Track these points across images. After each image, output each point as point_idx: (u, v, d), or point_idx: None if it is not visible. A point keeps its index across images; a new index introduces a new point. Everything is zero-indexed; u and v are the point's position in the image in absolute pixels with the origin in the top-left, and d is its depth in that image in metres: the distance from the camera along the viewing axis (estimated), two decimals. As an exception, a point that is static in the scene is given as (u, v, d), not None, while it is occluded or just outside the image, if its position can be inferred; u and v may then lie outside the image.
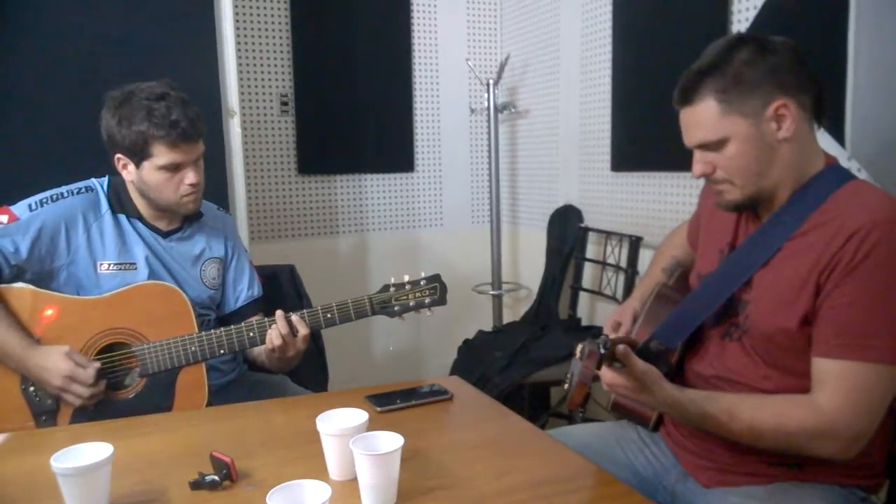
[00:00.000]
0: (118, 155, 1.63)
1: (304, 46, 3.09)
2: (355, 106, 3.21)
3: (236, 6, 2.87)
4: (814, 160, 1.21)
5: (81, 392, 1.50)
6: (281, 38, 3.07)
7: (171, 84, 1.64)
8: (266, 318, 1.62)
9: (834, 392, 1.09)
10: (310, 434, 1.16)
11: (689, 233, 1.53)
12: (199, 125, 1.63)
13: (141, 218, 1.70)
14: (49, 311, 1.56)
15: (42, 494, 1.09)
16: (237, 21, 2.89)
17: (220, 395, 1.71)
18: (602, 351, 1.07)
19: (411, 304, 1.64)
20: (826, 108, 1.21)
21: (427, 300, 1.65)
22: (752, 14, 2.06)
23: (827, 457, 1.13)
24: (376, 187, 3.34)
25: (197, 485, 1.10)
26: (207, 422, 1.45)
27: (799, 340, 1.14)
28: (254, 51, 3.03)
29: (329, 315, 1.62)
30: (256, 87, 3.05)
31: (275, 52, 3.06)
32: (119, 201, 1.69)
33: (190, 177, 1.63)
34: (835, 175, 1.19)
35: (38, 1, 2.17)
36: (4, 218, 1.58)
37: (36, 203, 1.61)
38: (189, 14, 2.36)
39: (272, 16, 3.04)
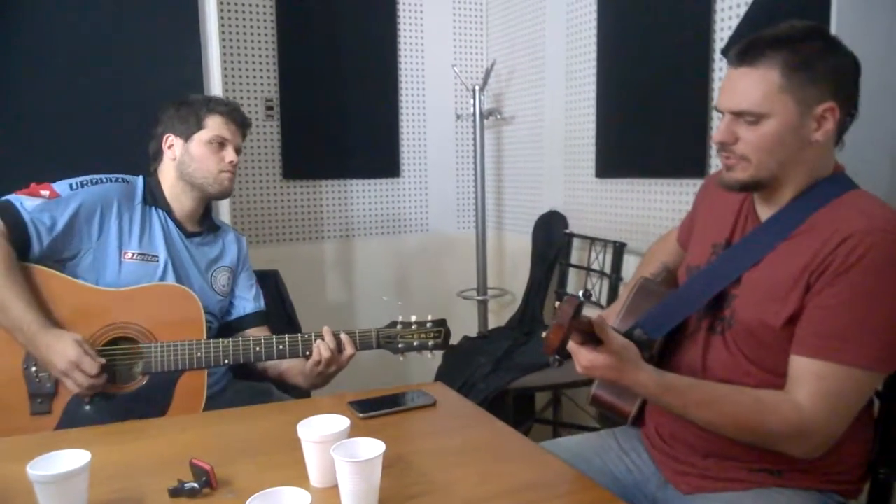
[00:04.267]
0: (168, 135, 1.79)
1: (289, 51, 3.08)
2: (341, 111, 3.20)
3: (221, 10, 2.86)
4: (825, 167, 1.21)
5: (82, 381, 1.50)
6: (266, 42, 3.06)
7: None
8: (274, 336, 1.65)
9: (814, 394, 1.10)
10: (291, 440, 1.15)
11: (681, 232, 1.53)
12: (248, 122, 1.88)
13: (171, 214, 1.78)
14: (66, 296, 1.59)
15: (18, 502, 1.07)
16: (222, 25, 2.88)
17: (208, 404, 1.71)
18: (581, 299, 1.07)
19: (415, 343, 1.70)
20: (846, 131, 1.21)
21: (430, 343, 1.70)
22: (734, 23, 2.08)
23: (795, 455, 1.14)
24: (362, 192, 3.34)
25: (176, 492, 1.09)
26: (188, 428, 1.44)
27: (782, 339, 1.15)
28: (239, 55, 3.02)
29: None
30: (241, 91, 3.04)
31: (260, 56, 3.05)
32: (153, 196, 1.78)
33: (231, 155, 1.79)
34: (839, 182, 1.20)
35: (31, 7, 2.17)
36: (46, 193, 1.63)
37: (77, 183, 1.67)
38: (174, 18, 2.35)
39: (257, 20, 3.03)
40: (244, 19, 3.01)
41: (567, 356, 1.12)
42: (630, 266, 2.54)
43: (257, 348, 1.64)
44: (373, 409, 1.43)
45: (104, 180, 1.71)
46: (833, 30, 1.69)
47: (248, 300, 1.91)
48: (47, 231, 1.60)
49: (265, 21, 3.05)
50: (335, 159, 3.24)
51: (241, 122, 1.84)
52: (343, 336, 1.65)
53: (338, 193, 3.29)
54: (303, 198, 3.21)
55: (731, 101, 1.18)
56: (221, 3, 2.87)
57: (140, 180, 1.79)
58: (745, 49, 1.16)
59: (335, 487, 1.05)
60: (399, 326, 1.70)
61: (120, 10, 2.27)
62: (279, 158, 3.13)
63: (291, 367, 1.76)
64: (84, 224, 1.65)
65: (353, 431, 1.15)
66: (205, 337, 1.64)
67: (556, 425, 2.91)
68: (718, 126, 1.21)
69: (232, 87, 2.99)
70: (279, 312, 2.09)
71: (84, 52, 2.23)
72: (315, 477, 1.12)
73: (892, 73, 1.69)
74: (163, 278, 1.71)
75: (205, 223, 1.86)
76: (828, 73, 1.13)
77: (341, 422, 1.16)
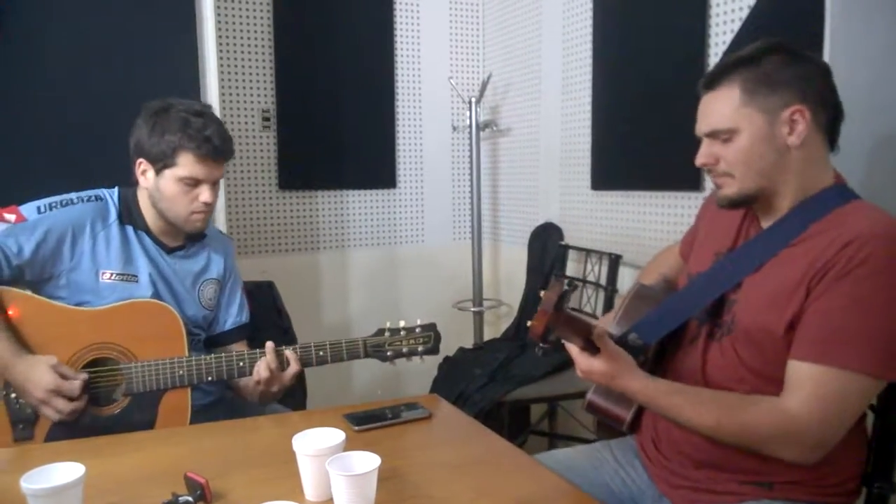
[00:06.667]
0: (140, 160, 1.66)
1: (286, 62, 3.09)
2: (337, 122, 3.21)
3: (219, 21, 2.88)
4: (822, 176, 1.22)
5: (62, 407, 1.47)
6: (263, 53, 3.07)
7: (208, 105, 1.72)
8: (258, 350, 1.61)
9: (807, 398, 1.10)
10: (286, 453, 1.15)
11: (683, 245, 1.54)
12: (229, 147, 1.68)
13: (148, 231, 1.71)
14: (41, 319, 1.54)
15: (11, 516, 1.07)
16: (219, 36, 2.89)
17: (201, 414, 1.69)
18: (566, 286, 1.08)
19: (404, 350, 1.66)
20: (838, 134, 1.24)
21: (420, 348, 1.66)
22: (729, 37, 2.10)
23: (788, 460, 1.14)
24: (358, 203, 3.34)
25: (170, 506, 1.08)
26: (183, 441, 1.43)
27: (781, 346, 1.15)
28: (236, 66, 3.03)
29: (321, 353, 1.63)
30: (238, 102, 3.04)
31: (257, 67, 3.06)
32: (128, 213, 1.70)
33: (205, 195, 1.64)
34: (840, 193, 1.21)
35: (33, 14, 2.19)
36: (12, 217, 1.58)
37: (45, 206, 1.62)
38: (171, 29, 2.36)
39: (254, 31, 3.05)
40: (241, 30, 3.03)
41: (551, 343, 1.14)
42: (625, 278, 2.55)
43: (241, 363, 1.59)
44: (368, 422, 1.43)
45: (75, 201, 1.64)
46: (827, 43, 1.70)
47: (230, 315, 1.84)
48: (14, 256, 1.54)
49: (262, 32, 3.06)
50: (331, 170, 3.25)
51: (219, 157, 1.65)
52: (288, 352, 1.59)
53: (334, 204, 3.29)
54: (298, 208, 3.22)
55: (702, 124, 1.26)
56: (219, 15, 2.89)
57: (115, 195, 1.70)
58: (709, 77, 1.25)
59: (330, 501, 1.05)
60: (387, 334, 1.65)
61: (116, 22, 2.28)
62: (275, 169, 3.14)
63: (242, 383, 1.71)
64: (54, 248, 1.59)
65: (349, 445, 1.14)
66: (186, 353, 1.59)
67: (551, 437, 2.90)
68: (699, 151, 1.27)
69: (229, 97, 3.00)
70: (274, 324, 2.09)
71: (81, 61, 2.23)
72: (310, 490, 1.12)
73: (888, 85, 1.70)
74: (145, 297, 1.64)
75: (189, 235, 1.77)
76: (789, 80, 1.18)
77: (336, 435, 1.15)
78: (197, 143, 1.60)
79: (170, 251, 1.73)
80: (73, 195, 1.66)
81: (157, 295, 1.67)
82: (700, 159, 1.26)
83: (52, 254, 1.59)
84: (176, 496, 1.09)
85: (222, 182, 2.46)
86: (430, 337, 1.67)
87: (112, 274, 1.64)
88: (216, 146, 1.62)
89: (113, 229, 1.66)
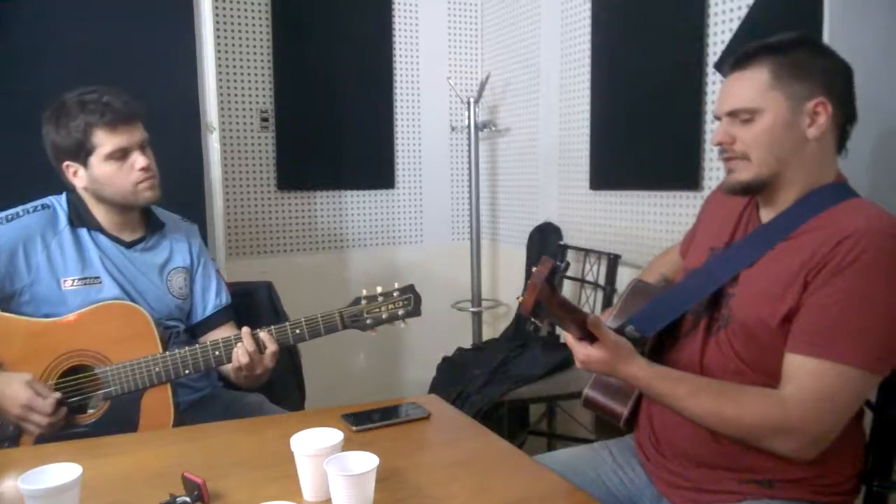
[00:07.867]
0: (66, 163, 1.63)
1: (284, 62, 3.09)
2: (336, 122, 3.21)
3: (217, 21, 2.87)
4: (826, 173, 1.23)
5: (40, 421, 1.46)
6: (262, 53, 3.07)
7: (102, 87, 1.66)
8: (233, 335, 1.58)
9: (801, 390, 1.11)
10: (284, 454, 1.14)
11: (683, 244, 1.55)
12: (134, 106, 1.63)
13: (102, 230, 1.67)
14: (10, 336, 1.52)
15: (8, 517, 1.07)
16: (218, 36, 2.89)
17: (193, 412, 1.69)
18: (557, 262, 1.08)
19: (384, 316, 1.59)
20: (848, 137, 1.24)
21: (401, 311, 1.59)
22: (727, 37, 2.10)
23: (784, 454, 1.14)
24: (356, 203, 3.34)
25: (168, 506, 1.08)
26: (180, 442, 1.43)
27: (777, 339, 1.16)
28: (234, 66, 3.02)
29: (298, 331, 1.58)
30: (236, 102, 3.04)
31: (255, 67, 3.06)
32: (78, 215, 1.66)
33: (140, 161, 1.61)
34: (840, 190, 1.22)
35: (31, 14, 2.18)
36: None
37: None
38: (169, 29, 2.36)
39: (253, 31, 3.05)
40: (240, 31, 3.02)
41: (542, 320, 1.14)
42: (624, 278, 2.54)
43: (217, 352, 1.56)
44: (366, 422, 1.42)
45: (20, 213, 1.61)
46: (826, 43, 1.70)
47: (208, 300, 1.81)
48: None
49: (261, 32, 3.06)
50: (330, 170, 3.25)
51: (128, 119, 1.61)
52: (262, 334, 1.56)
53: (332, 204, 3.29)
54: (297, 209, 3.21)
55: (725, 103, 1.25)
56: (217, 15, 2.88)
57: (62, 200, 1.67)
58: (738, 57, 1.24)
59: (328, 502, 1.04)
60: (364, 302, 1.58)
61: (115, 22, 2.28)
62: (273, 169, 3.13)
63: (227, 370, 1.68)
64: (7, 265, 1.56)
65: (347, 445, 1.14)
66: (160, 349, 1.56)
67: (550, 437, 2.90)
68: (716, 129, 1.26)
69: (227, 98, 3.00)
70: (273, 324, 2.08)
71: (79, 61, 2.23)
72: (308, 491, 1.11)
73: (886, 85, 1.71)
74: (112, 298, 1.61)
75: (148, 226, 1.74)
76: (816, 71, 1.19)
77: (335, 435, 1.15)
78: (99, 114, 1.58)
79: (129, 245, 1.70)
80: (20, 208, 1.63)
81: (123, 293, 1.64)
82: (717, 137, 1.25)
83: (7, 271, 1.57)
84: (173, 497, 1.08)
85: (220, 182, 2.47)
86: (409, 299, 1.59)
87: (73, 280, 1.61)
88: (119, 109, 1.60)
89: (65, 235, 1.64)
